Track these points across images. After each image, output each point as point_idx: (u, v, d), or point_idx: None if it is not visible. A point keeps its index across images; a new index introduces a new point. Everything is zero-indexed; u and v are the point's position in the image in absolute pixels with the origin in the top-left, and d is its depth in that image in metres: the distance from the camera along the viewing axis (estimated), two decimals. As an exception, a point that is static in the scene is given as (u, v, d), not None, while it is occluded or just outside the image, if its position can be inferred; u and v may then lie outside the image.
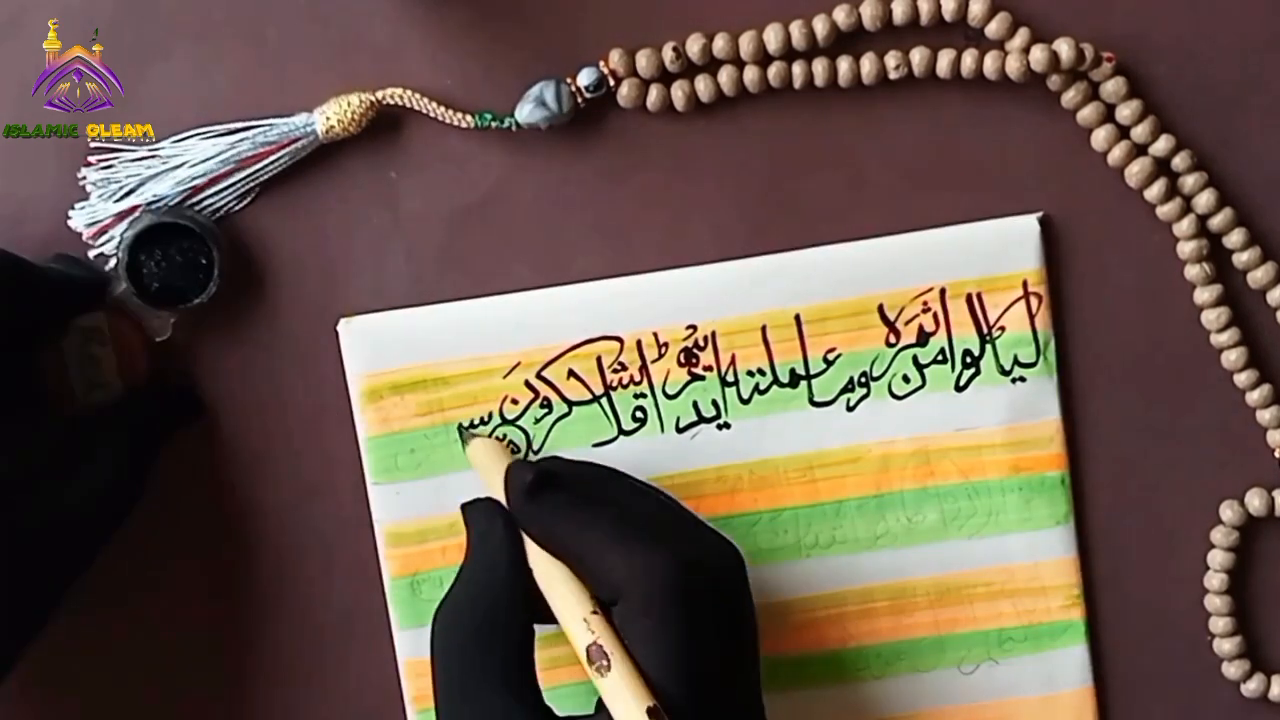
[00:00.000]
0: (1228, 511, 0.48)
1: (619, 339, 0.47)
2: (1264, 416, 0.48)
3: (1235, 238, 0.47)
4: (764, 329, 0.47)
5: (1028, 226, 0.47)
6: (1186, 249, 0.47)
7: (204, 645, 0.48)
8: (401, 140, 0.47)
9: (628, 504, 0.41)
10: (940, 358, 0.47)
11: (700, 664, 0.37)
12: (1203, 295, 0.48)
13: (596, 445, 0.47)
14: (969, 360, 0.47)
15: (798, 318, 0.47)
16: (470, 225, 0.47)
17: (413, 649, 0.47)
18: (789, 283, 0.47)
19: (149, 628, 0.48)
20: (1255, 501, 0.48)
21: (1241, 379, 0.48)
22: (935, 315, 0.47)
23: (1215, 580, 0.48)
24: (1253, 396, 0.48)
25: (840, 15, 0.46)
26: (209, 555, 0.48)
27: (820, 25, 0.46)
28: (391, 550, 0.47)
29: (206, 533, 0.48)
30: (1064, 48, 0.45)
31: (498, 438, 0.47)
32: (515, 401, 0.47)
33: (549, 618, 0.40)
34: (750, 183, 0.47)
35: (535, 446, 0.47)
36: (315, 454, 0.48)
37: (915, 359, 0.47)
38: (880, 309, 0.47)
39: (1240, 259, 0.48)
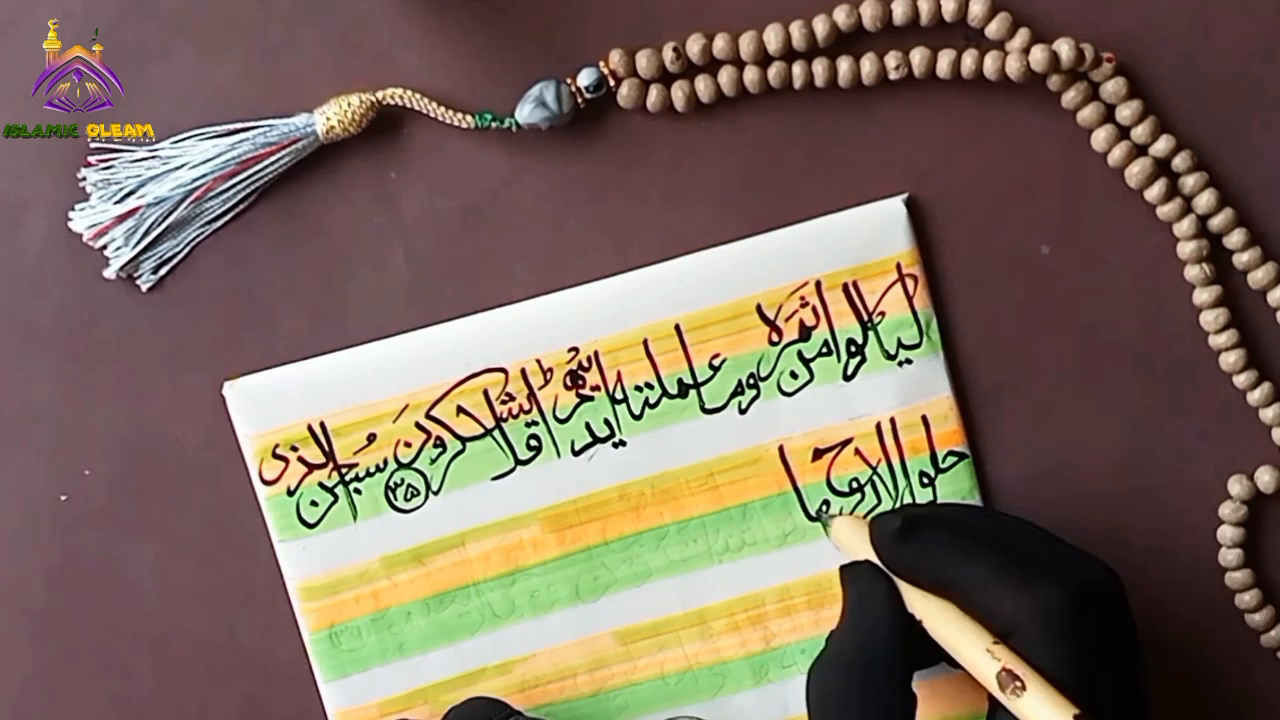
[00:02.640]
0: (1226, 509, 0.48)
1: (503, 370, 0.47)
2: (1265, 415, 0.48)
3: (1235, 238, 0.47)
4: (646, 343, 0.47)
5: (894, 209, 0.47)
6: (1186, 249, 0.47)
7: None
8: (401, 140, 0.47)
9: (1001, 536, 0.41)
10: (825, 350, 0.47)
11: (1104, 692, 0.38)
12: (1202, 296, 0.48)
13: (495, 479, 0.47)
14: (853, 349, 0.47)
15: (678, 327, 0.47)
16: (470, 225, 0.47)
17: (340, 700, 0.47)
18: (665, 293, 0.47)
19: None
20: (1258, 495, 0.48)
21: (1241, 380, 0.48)
22: (814, 309, 0.47)
23: (1231, 555, 0.48)
24: (1253, 396, 0.48)
25: (840, 15, 0.46)
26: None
27: (820, 26, 0.46)
28: (306, 605, 0.47)
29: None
30: (1064, 48, 0.45)
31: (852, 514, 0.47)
32: (408, 445, 0.47)
33: (927, 664, 0.41)
34: (750, 183, 0.47)
35: (435, 487, 0.47)
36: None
37: (800, 354, 0.47)
38: (759, 309, 0.47)
39: (1240, 259, 0.48)
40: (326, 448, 0.47)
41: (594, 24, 0.47)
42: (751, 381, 0.47)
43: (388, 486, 0.47)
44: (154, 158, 0.47)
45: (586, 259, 0.47)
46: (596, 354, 0.47)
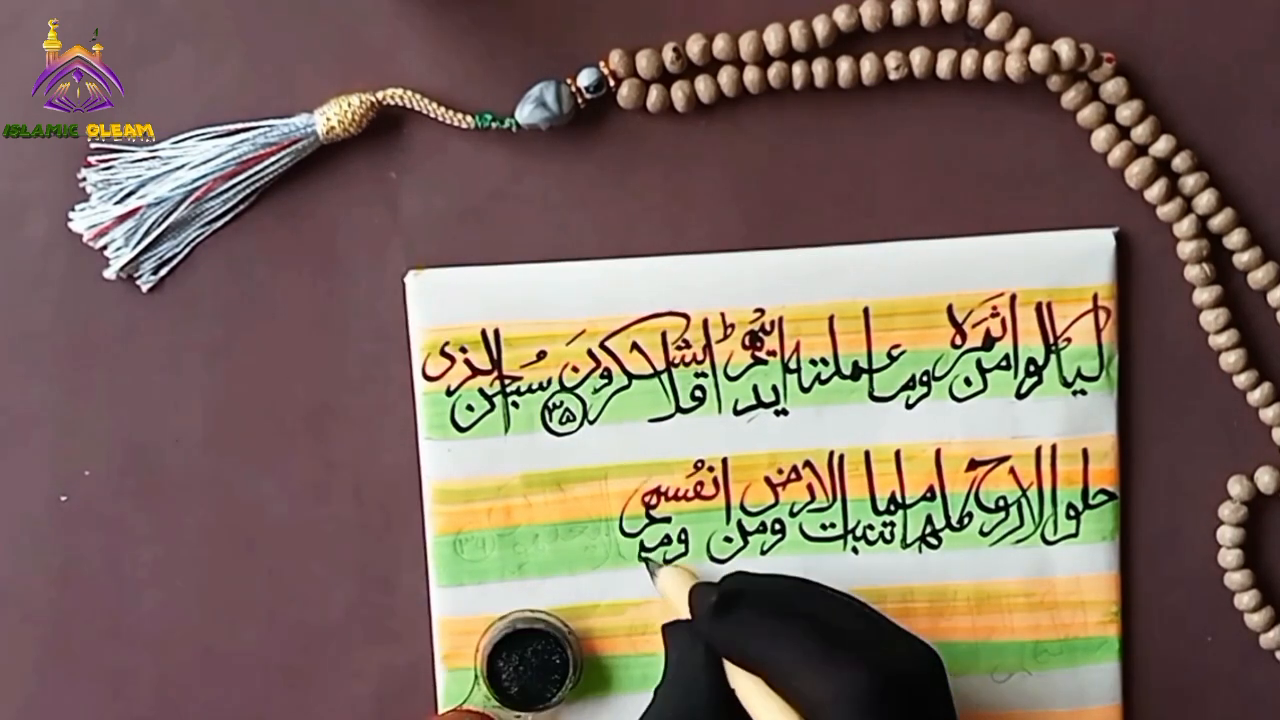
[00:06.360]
0: (1226, 509, 0.48)
1: (685, 315, 0.47)
2: (1265, 415, 0.48)
3: (1236, 238, 0.48)
4: (831, 319, 0.47)
5: (1103, 240, 0.47)
6: (1186, 249, 0.47)
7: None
8: (401, 140, 0.47)
9: (817, 615, 0.41)
10: (1004, 364, 0.47)
11: None
12: (1202, 296, 0.48)
13: (652, 420, 0.47)
14: (1032, 369, 0.47)
15: (866, 311, 0.47)
16: (470, 225, 0.47)
17: (448, 607, 0.47)
18: (861, 275, 0.47)
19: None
20: (1257, 495, 0.48)
21: (1241, 380, 0.48)
22: (1003, 320, 0.47)
23: (1231, 555, 0.48)
24: (1253, 396, 0.48)
25: (840, 16, 0.46)
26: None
27: (820, 26, 0.46)
28: (438, 507, 0.47)
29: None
30: (1064, 48, 0.45)
31: (684, 568, 0.47)
32: (576, 369, 0.47)
33: None
34: (750, 183, 0.47)
35: (591, 417, 0.47)
36: (315, 449, 0.48)
37: (979, 362, 0.47)
38: (949, 309, 0.47)
39: (1241, 259, 0.48)
40: (495, 355, 0.47)
41: (594, 24, 0.47)
42: (925, 379, 0.47)
43: (545, 406, 0.47)
44: (154, 158, 0.47)
45: (586, 259, 0.47)
46: (781, 319, 0.47)
